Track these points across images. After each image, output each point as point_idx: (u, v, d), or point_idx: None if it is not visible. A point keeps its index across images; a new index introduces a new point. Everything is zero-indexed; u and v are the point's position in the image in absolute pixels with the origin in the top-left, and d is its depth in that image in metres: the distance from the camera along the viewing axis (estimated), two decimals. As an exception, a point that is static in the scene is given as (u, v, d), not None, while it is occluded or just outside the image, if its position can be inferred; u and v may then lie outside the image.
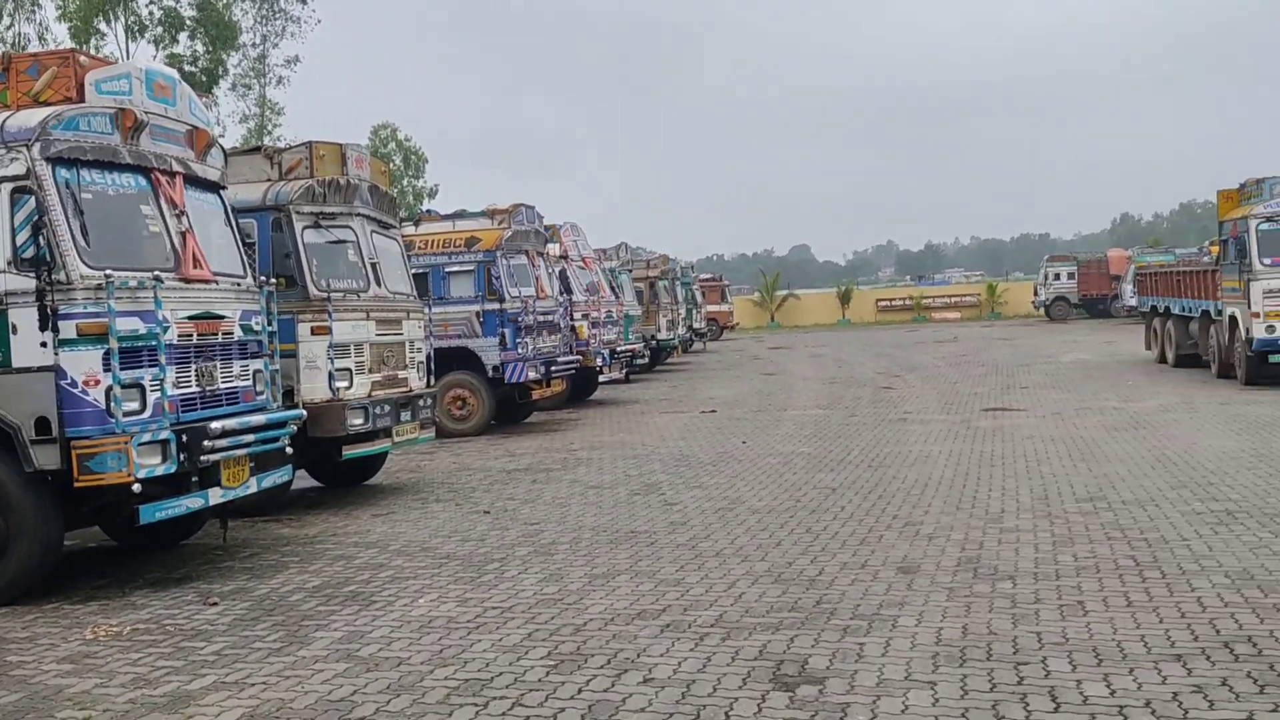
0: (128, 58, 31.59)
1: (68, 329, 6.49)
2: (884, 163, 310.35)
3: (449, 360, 14.38)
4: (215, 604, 6.54)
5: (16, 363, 6.52)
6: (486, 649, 5.39)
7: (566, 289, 18.43)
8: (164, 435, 6.72)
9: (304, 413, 8.55)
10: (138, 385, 6.71)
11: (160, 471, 6.72)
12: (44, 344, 6.49)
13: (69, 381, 6.47)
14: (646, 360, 26.23)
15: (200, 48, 36.22)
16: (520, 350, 14.86)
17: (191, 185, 7.63)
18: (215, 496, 7.26)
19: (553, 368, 15.64)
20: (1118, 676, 4.63)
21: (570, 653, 5.27)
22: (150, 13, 35.07)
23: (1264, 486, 8.62)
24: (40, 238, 6.51)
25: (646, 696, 4.64)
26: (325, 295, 9.46)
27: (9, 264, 6.56)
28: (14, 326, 6.53)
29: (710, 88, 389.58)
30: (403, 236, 11.88)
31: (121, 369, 6.55)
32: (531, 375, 14.95)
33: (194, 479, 7.08)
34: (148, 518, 6.78)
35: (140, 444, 6.55)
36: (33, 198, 6.56)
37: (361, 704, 4.72)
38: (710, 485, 9.99)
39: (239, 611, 6.35)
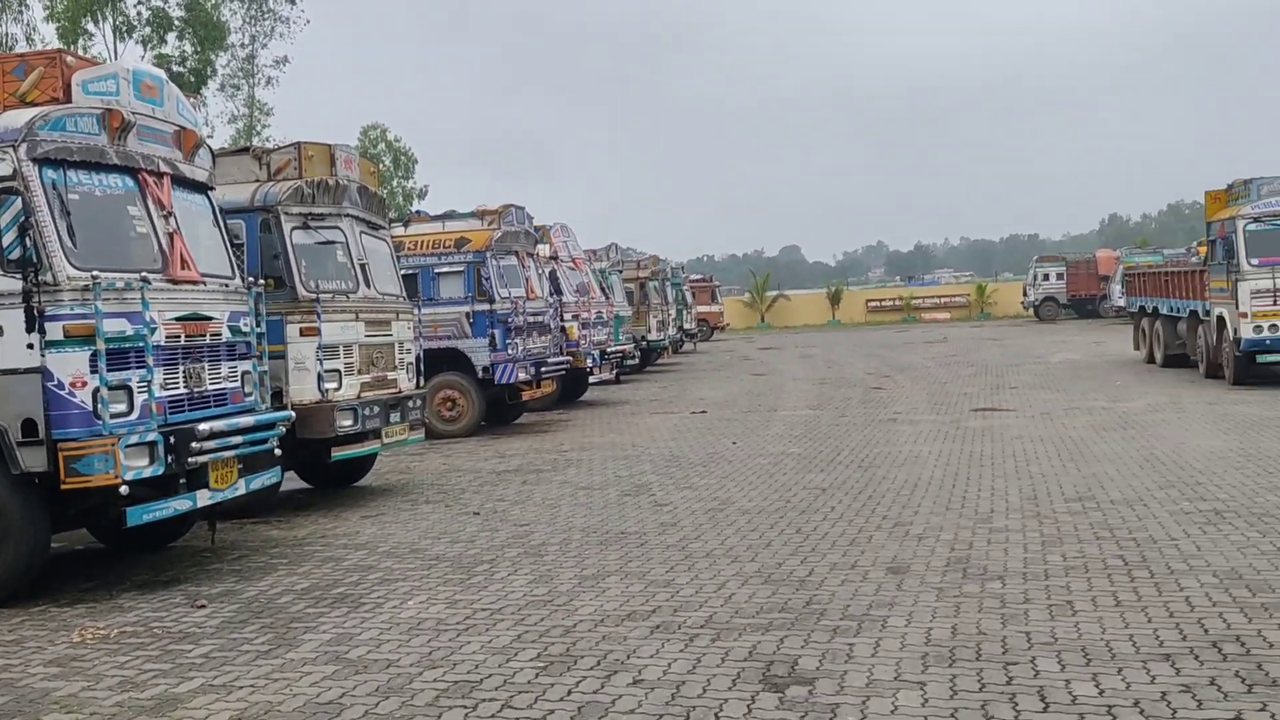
0: (116, 58, 31.50)
1: (54, 330, 6.45)
2: (874, 164, 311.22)
3: (439, 361, 14.35)
4: (203, 606, 6.52)
5: (3, 364, 6.48)
6: (476, 651, 5.38)
7: (556, 290, 18.41)
8: (151, 437, 6.70)
9: (293, 414, 8.52)
10: (125, 387, 6.68)
11: (148, 473, 6.69)
12: (31, 346, 6.45)
13: (56, 383, 6.44)
14: (637, 361, 26.23)
15: (188, 48, 36.08)
16: (510, 351, 14.83)
17: (179, 186, 7.60)
18: (203, 498, 7.23)
19: (543, 369, 15.62)
20: (1106, 676, 4.63)
21: (560, 654, 5.26)
22: (138, 13, 34.96)
23: (1252, 486, 8.65)
24: (27, 239, 6.48)
25: (636, 698, 4.63)
26: (314, 296, 9.43)
27: (-5, 265, 6.52)
28: (0, 328, 6.49)
29: (701, 89, 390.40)
30: (392, 237, 11.85)
31: (109, 370, 6.52)
32: (521, 376, 14.94)
33: (182, 481, 7.05)
34: (135, 520, 6.75)
35: (127, 446, 6.52)
36: (19, 199, 6.52)
37: (350, 706, 4.71)
38: (700, 486, 9.99)
39: (227, 614, 6.33)
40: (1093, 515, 7.88)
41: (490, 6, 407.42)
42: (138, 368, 6.77)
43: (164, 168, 7.43)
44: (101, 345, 6.49)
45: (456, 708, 4.63)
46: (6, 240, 6.53)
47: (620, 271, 26.49)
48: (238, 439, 7.42)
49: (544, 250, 18.49)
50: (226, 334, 7.66)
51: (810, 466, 10.85)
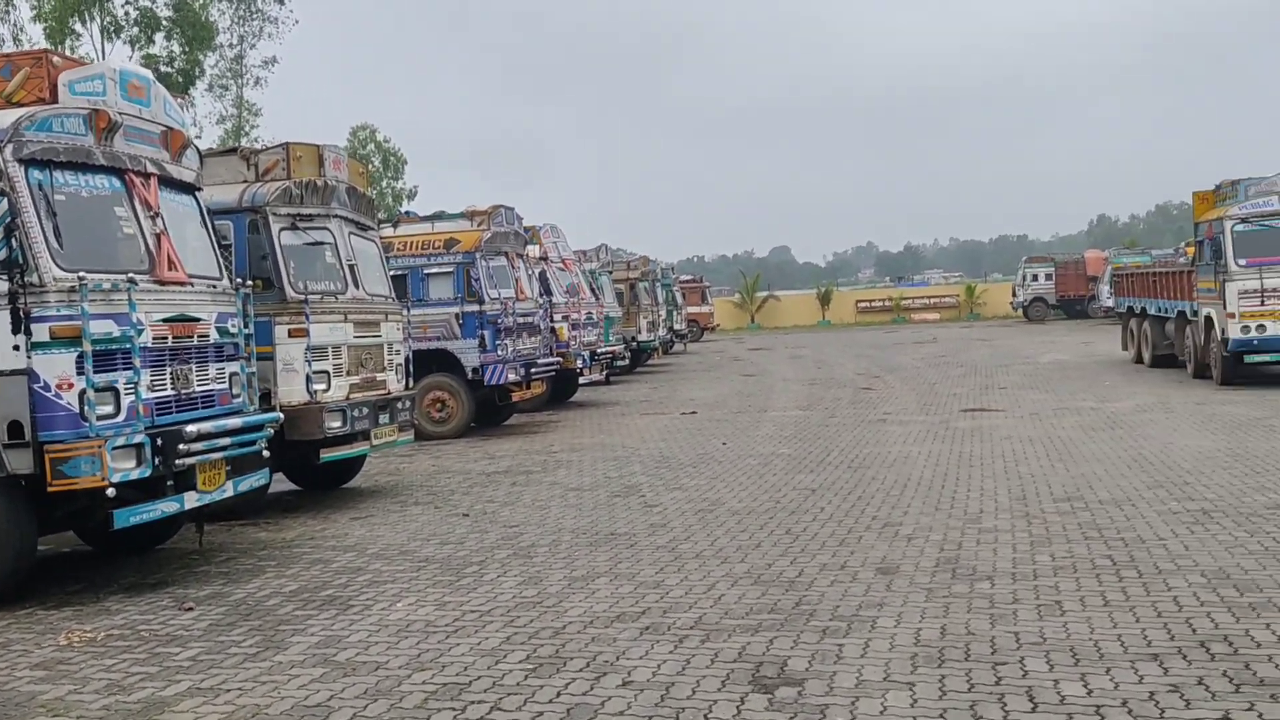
0: (103, 58, 31.37)
1: (41, 332, 6.42)
2: (864, 164, 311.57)
3: (428, 362, 14.33)
4: (191, 609, 6.49)
5: (-11, 366, 6.45)
6: (465, 653, 5.37)
7: (546, 290, 18.41)
8: (138, 439, 6.66)
9: (281, 415, 8.49)
10: (112, 389, 6.65)
11: (135, 475, 6.66)
12: (16, 347, 6.42)
13: (42, 385, 6.40)
14: (627, 362, 26.23)
15: (177, 48, 35.93)
16: (500, 352, 14.82)
17: (166, 187, 7.57)
18: (191, 500, 7.20)
19: (533, 369, 15.61)
20: (1095, 676, 4.64)
21: (549, 656, 5.25)
22: (126, 13, 34.82)
23: (1239, 486, 8.68)
24: (12, 240, 6.45)
25: (625, 699, 4.63)
26: (302, 297, 9.40)
27: (-20, 266, 6.49)
28: (-14, 329, 6.46)
29: (691, 90, 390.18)
30: (381, 238, 11.83)
31: (95, 372, 6.49)
32: (511, 377, 14.91)
33: (169, 483, 7.01)
34: (122, 522, 6.71)
35: (114, 448, 6.48)
36: (4, 199, 6.48)
37: (338, 709, 4.69)
38: (690, 487, 9.99)
39: (214, 616, 6.30)
40: (1081, 515, 7.89)
41: (490, 6, 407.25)
42: (125, 369, 6.73)
43: (151, 168, 7.40)
44: (88, 347, 6.45)
45: (445, 710, 4.61)
46: (-8, 241, 6.49)
47: (610, 272, 26.49)
48: (225, 441, 7.39)
49: (533, 251, 18.47)
50: (214, 335, 7.64)
51: (800, 467, 10.86)
